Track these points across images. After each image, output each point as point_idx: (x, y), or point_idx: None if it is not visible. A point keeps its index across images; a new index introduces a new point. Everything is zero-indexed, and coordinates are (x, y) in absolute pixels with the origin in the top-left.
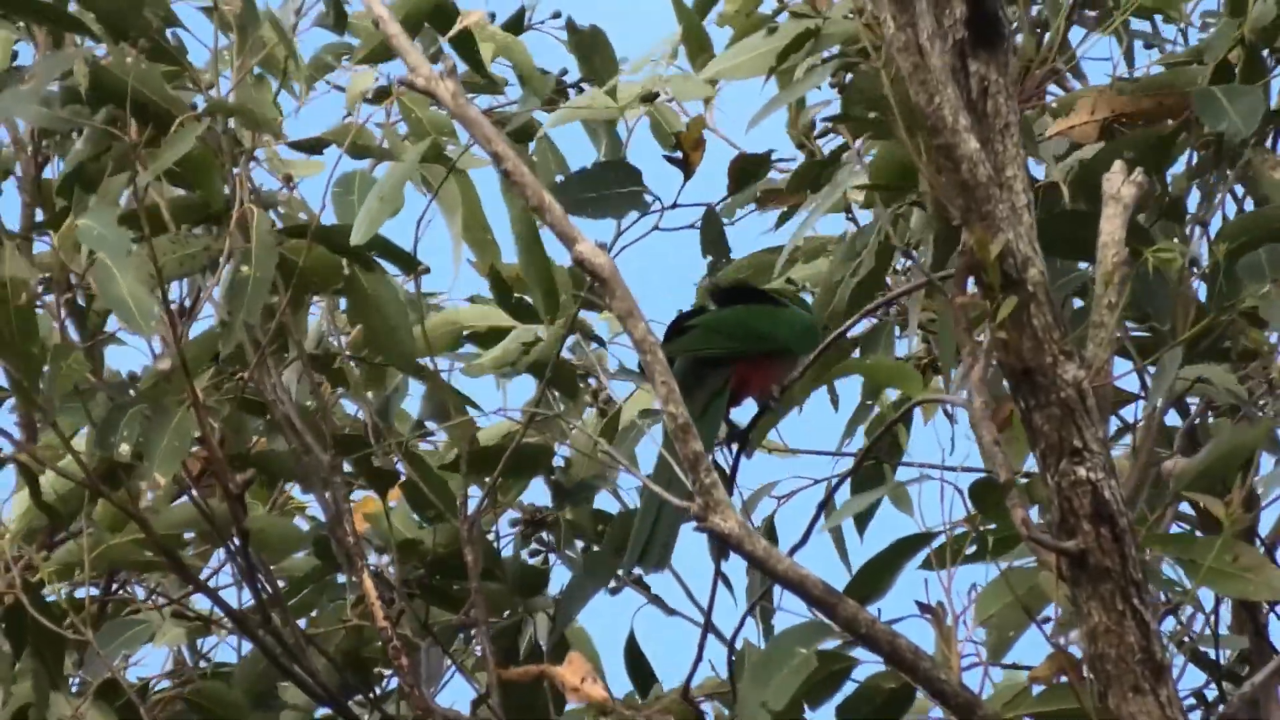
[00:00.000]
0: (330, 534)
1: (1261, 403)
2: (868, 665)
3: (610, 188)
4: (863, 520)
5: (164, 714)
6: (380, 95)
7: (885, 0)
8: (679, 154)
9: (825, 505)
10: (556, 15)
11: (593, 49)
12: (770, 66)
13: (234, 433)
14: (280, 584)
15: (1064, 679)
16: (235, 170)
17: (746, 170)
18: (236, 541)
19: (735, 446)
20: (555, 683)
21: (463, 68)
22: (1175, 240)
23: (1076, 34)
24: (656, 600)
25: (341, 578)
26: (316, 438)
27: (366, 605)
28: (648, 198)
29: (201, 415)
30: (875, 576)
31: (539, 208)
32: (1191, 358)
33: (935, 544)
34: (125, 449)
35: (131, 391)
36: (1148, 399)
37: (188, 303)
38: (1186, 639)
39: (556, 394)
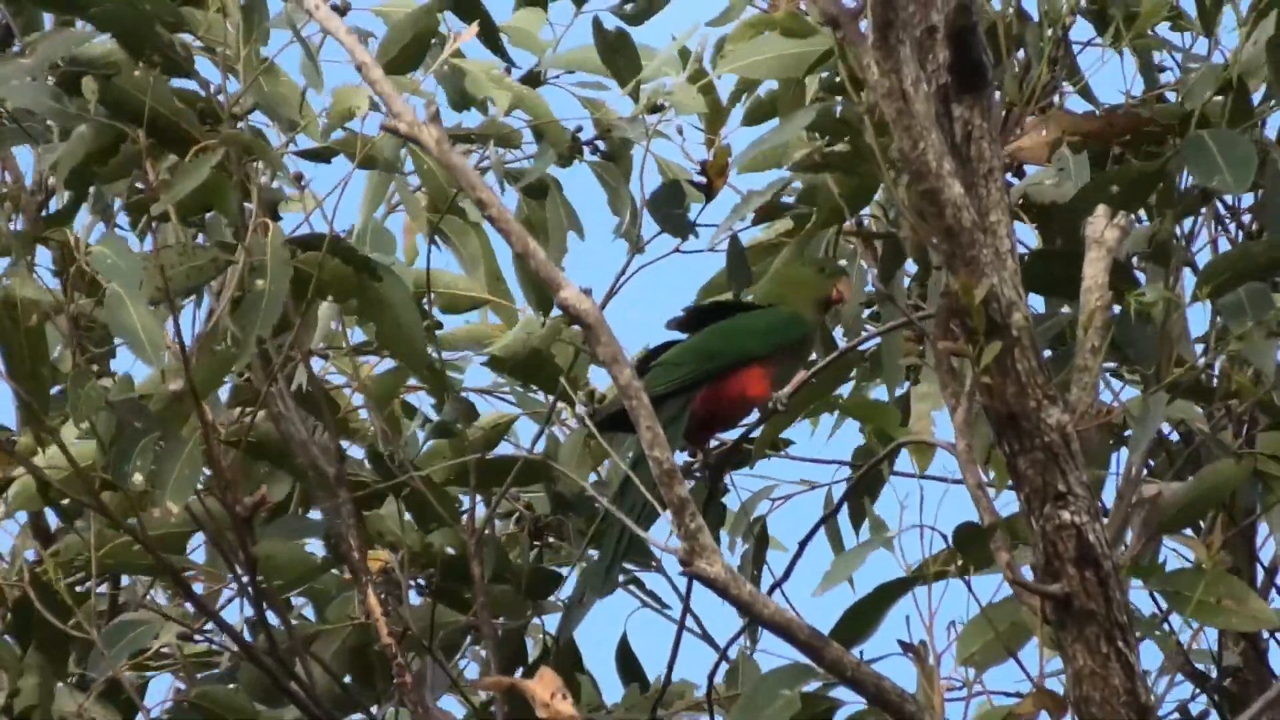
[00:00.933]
0: (336, 548)
1: (1220, 436)
2: (851, 705)
3: (673, 206)
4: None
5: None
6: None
7: (869, 46)
8: (703, 179)
9: (810, 536)
10: (570, 71)
11: (618, 51)
12: (807, 68)
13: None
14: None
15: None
16: (248, 169)
17: (774, 205)
18: (242, 560)
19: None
20: (526, 697)
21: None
22: (1160, 284)
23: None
24: (652, 596)
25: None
26: (323, 451)
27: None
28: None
29: (211, 439)
30: (861, 620)
31: (523, 254)
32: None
33: (917, 572)
34: (139, 479)
35: (144, 404)
36: (1130, 449)
37: (198, 319)
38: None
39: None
